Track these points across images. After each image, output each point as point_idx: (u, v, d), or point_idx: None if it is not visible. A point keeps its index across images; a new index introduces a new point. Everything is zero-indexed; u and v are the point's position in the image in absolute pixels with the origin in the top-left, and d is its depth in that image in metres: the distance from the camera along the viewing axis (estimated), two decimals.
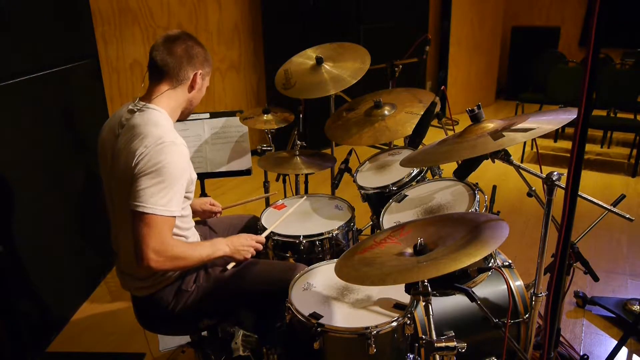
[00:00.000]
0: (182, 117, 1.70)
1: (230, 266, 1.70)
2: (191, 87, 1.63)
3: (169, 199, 1.44)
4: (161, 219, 1.43)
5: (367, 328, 1.39)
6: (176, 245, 1.49)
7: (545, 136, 5.15)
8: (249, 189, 4.07)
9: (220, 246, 1.63)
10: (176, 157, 1.46)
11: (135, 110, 1.55)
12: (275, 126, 2.58)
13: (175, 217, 1.48)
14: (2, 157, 2.16)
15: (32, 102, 2.37)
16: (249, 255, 1.70)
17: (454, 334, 1.29)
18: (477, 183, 1.88)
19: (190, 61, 1.59)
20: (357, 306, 1.52)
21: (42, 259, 2.42)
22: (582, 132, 0.99)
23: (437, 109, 2.01)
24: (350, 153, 2.48)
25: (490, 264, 1.56)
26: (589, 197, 1.51)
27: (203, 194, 2.71)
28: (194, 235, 1.73)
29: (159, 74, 1.57)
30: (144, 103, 1.56)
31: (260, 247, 1.74)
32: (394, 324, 1.43)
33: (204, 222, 2.03)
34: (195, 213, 1.98)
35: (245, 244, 1.69)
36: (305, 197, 2.20)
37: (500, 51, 6.80)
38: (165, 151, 1.44)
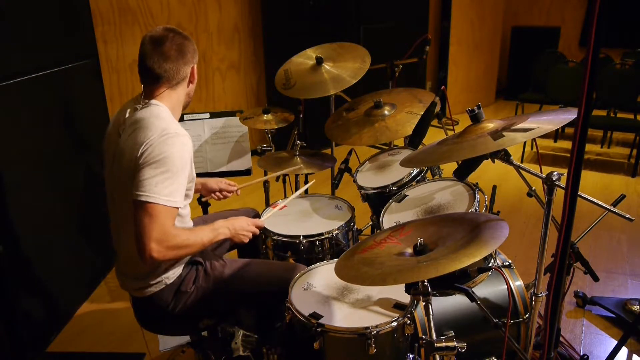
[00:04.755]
0: (182, 110, 1.70)
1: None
2: (190, 82, 1.65)
3: (173, 189, 1.43)
4: (164, 209, 1.42)
5: (367, 328, 1.39)
6: (178, 235, 1.47)
7: (545, 136, 5.15)
8: (249, 188, 4.07)
9: (221, 230, 1.62)
10: (180, 148, 1.47)
11: (139, 107, 1.56)
12: (275, 126, 2.58)
13: (178, 208, 1.47)
14: (2, 157, 2.16)
15: (32, 102, 2.37)
16: (246, 240, 1.70)
17: (454, 334, 1.29)
18: (477, 183, 1.88)
19: (184, 59, 1.58)
20: (357, 306, 1.52)
21: (42, 259, 2.42)
22: (582, 132, 0.99)
23: (437, 109, 2.01)
24: (350, 153, 2.48)
25: (490, 264, 1.56)
26: (589, 197, 1.51)
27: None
28: None
29: (156, 79, 1.56)
30: (147, 100, 1.57)
31: (258, 231, 1.74)
32: (394, 324, 1.43)
33: (204, 220, 2.03)
34: (212, 191, 2.02)
35: (246, 228, 1.69)
36: (313, 181, 2.18)
37: (500, 51, 6.79)
38: (169, 142, 1.45)
